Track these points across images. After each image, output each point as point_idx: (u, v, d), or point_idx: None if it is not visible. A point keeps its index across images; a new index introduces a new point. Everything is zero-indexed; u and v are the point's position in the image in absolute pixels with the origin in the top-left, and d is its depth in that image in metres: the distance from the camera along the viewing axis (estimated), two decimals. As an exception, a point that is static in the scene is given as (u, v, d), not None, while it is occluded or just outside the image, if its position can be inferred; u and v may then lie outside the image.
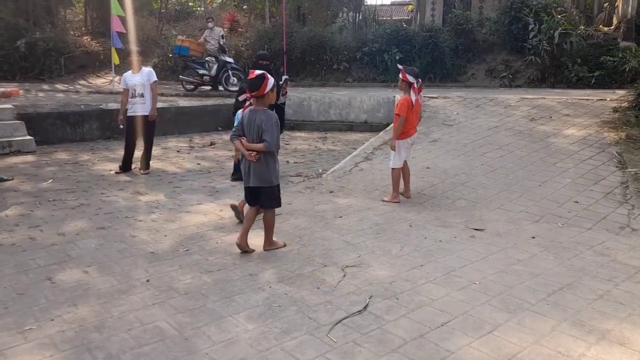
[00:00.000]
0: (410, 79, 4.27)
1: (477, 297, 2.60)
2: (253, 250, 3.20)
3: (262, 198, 3.15)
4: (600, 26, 11.34)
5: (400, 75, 4.33)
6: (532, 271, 2.95)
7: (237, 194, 4.74)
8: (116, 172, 5.34)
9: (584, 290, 2.71)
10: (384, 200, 4.40)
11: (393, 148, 4.37)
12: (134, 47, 5.60)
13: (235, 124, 3.54)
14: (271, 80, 3.05)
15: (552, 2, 10.56)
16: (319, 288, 2.69)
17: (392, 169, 4.42)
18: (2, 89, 5.23)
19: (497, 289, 2.69)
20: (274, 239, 3.28)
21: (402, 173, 4.54)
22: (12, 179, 4.88)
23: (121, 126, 5.43)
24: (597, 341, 2.20)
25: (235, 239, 3.21)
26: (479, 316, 2.40)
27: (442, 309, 2.46)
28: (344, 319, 2.36)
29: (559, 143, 5.62)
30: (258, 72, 3.05)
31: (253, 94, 3.04)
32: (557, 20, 9.77)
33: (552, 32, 9.68)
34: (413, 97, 4.28)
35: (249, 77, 3.08)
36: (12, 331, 2.22)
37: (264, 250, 3.22)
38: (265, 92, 3.01)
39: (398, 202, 4.35)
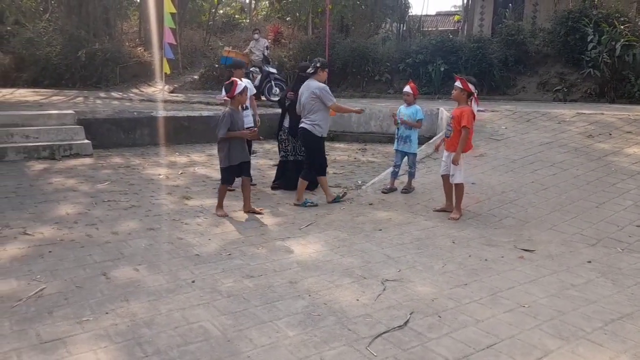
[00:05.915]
0: (472, 88, 4.13)
1: (525, 320, 2.46)
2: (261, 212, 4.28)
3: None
4: (669, 37, 10.48)
5: (460, 84, 4.14)
6: (588, 297, 2.74)
7: (277, 200, 4.84)
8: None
9: (648, 322, 2.48)
10: (454, 219, 4.16)
11: (457, 162, 4.13)
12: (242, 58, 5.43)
13: None
14: (240, 85, 4.10)
15: (614, 12, 9.91)
16: (358, 300, 2.66)
17: (458, 184, 4.21)
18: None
19: (548, 314, 2.53)
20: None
21: (444, 187, 4.42)
22: (343, 196, 4.80)
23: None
24: (666, 380, 2.01)
25: (274, 247, 3.46)
26: (528, 341, 2.27)
27: (488, 331, 2.35)
28: (384, 333, 2.32)
29: (620, 162, 5.22)
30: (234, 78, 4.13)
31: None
32: (620, 31, 9.16)
33: (613, 43, 9.09)
34: (475, 108, 4.12)
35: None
36: (71, 321, 2.39)
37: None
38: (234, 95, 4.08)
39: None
